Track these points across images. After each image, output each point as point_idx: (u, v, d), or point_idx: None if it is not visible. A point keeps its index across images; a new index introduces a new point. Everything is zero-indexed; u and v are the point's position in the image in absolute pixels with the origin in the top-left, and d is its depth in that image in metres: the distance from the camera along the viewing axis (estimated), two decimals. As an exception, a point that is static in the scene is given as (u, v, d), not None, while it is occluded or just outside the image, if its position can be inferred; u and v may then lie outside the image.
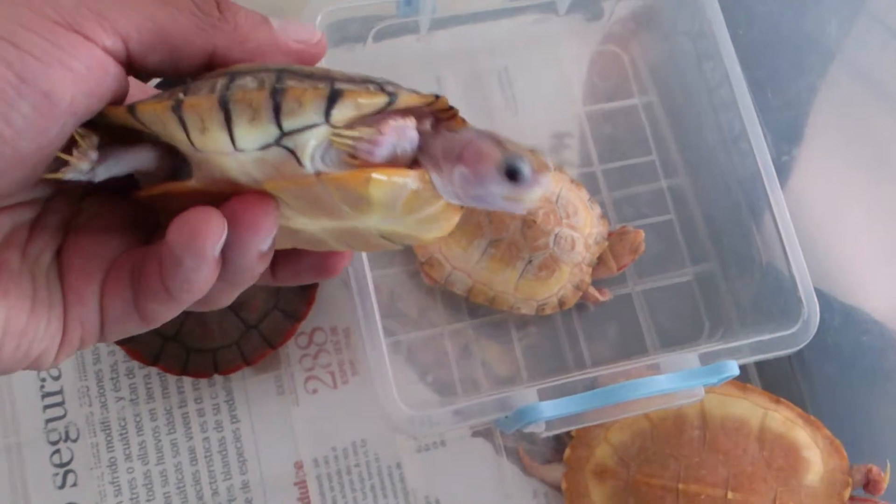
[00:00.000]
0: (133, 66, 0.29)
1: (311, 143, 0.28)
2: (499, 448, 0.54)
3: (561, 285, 0.53)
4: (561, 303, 0.53)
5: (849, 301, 0.52)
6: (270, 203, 0.29)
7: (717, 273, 0.57)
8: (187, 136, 0.28)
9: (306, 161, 0.28)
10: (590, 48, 0.62)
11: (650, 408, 0.47)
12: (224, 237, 0.28)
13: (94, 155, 0.29)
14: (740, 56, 0.52)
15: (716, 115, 0.53)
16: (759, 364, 0.57)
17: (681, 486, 0.50)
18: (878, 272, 0.52)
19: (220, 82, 0.28)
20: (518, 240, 0.52)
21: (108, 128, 0.30)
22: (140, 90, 0.32)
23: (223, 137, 0.28)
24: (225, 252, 0.29)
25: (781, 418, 0.51)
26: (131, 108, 0.29)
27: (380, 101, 0.28)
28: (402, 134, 0.29)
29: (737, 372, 0.45)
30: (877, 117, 0.53)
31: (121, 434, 0.52)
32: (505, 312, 0.55)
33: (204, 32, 0.29)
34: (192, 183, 0.30)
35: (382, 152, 0.28)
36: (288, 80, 0.28)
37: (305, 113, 0.27)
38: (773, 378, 0.56)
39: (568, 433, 0.53)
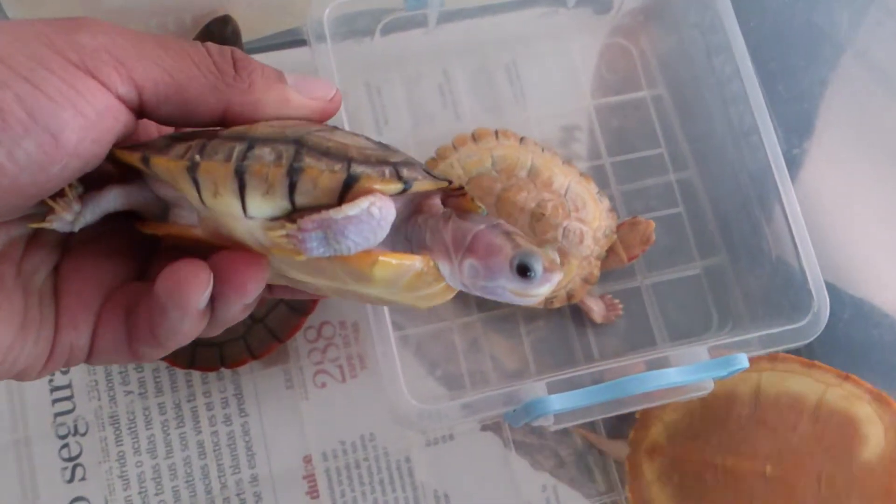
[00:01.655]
0: (144, 114, 0.29)
1: None
2: (507, 442, 0.54)
3: (569, 279, 0.53)
4: (569, 296, 0.53)
5: (859, 294, 0.52)
6: (261, 265, 0.29)
7: (727, 266, 0.57)
8: (198, 194, 0.29)
9: None
10: (598, 41, 0.62)
11: (659, 401, 0.47)
12: (209, 291, 0.28)
13: (77, 206, 0.30)
14: (751, 49, 0.51)
15: (726, 109, 0.53)
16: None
17: (719, 460, 0.49)
18: (889, 265, 0.52)
19: (238, 149, 0.28)
20: (527, 233, 0.52)
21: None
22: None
23: (235, 203, 0.28)
24: (210, 302, 0.29)
25: (843, 394, 0.49)
26: (145, 159, 0.29)
27: (394, 188, 0.28)
28: (329, 225, 0.28)
29: (746, 364, 0.45)
30: (888, 110, 0.53)
31: (129, 428, 0.53)
32: (513, 306, 0.55)
33: (218, 91, 0.29)
34: (196, 231, 0.31)
35: (312, 244, 0.28)
36: (306, 158, 0.28)
37: (319, 194, 0.28)
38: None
39: (632, 414, 0.53)
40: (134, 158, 0.29)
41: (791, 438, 0.48)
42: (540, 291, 0.30)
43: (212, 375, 0.54)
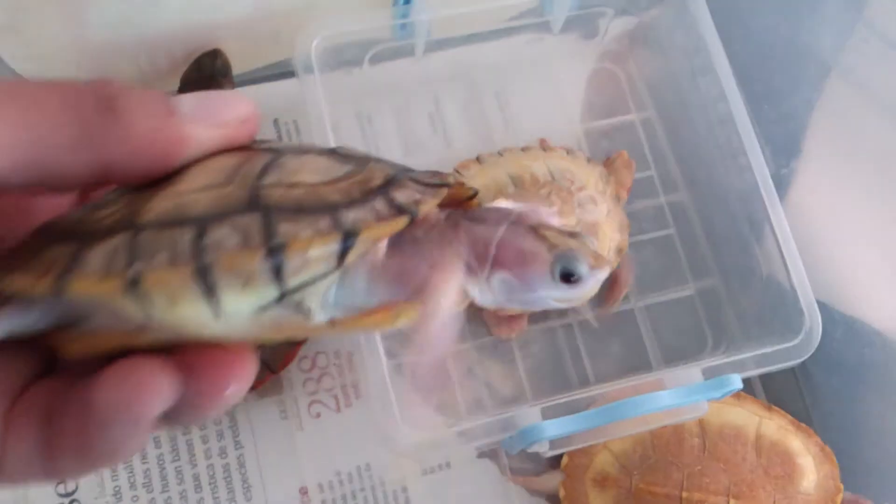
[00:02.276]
0: None
1: (322, 292, 0.23)
2: (504, 469, 0.54)
3: (610, 237, 0.53)
4: (619, 249, 0.54)
5: (851, 313, 0.52)
6: (246, 360, 0.23)
7: (719, 287, 0.57)
8: (147, 308, 0.22)
9: (317, 311, 0.24)
10: (586, 66, 0.62)
11: (654, 424, 0.46)
12: (174, 400, 0.22)
13: None
14: (736, 70, 0.52)
15: (713, 130, 0.53)
16: (763, 378, 0.56)
17: (684, 494, 0.50)
18: (880, 283, 0.52)
19: (184, 240, 0.22)
20: None
21: None
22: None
23: (203, 309, 0.22)
24: (175, 411, 0.23)
25: (775, 426, 0.52)
26: (59, 287, 0.22)
27: (400, 224, 0.23)
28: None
29: (740, 386, 0.44)
30: (875, 127, 0.53)
31: (125, 462, 0.52)
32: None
33: (88, 145, 0.22)
34: (145, 338, 0.23)
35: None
36: (281, 226, 0.22)
37: (314, 267, 0.22)
38: (777, 392, 0.56)
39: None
40: (38, 287, 0.22)
41: (743, 471, 0.50)
42: (588, 292, 0.26)
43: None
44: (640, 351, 0.56)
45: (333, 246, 0.22)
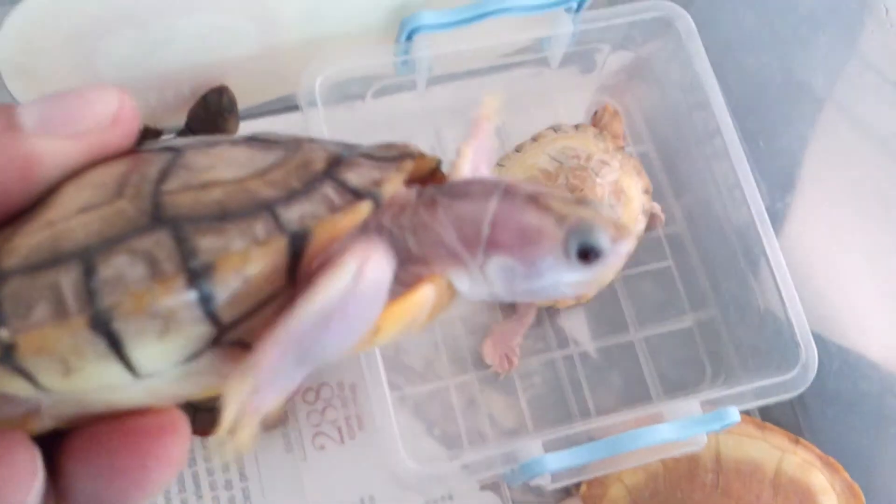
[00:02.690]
0: None
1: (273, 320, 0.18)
2: (506, 501, 0.55)
3: (634, 185, 0.54)
4: (646, 190, 0.55)
5: (848, 346, 0.53)
6: (175, 432, 0.19)
7: (718, 319, 0.58)
8: (34, 382, 0.17)
9: None
10: (584, 99, 0.63)
11: (653, 457, 0.47)
12: (38, 489, 0.17)
13: None
14: (731, 105, 0.53)
15: (709, 165, 0.54)
16: (762, 410, 0.57)
17: None
18: (875, 316, 0.53)
19: (67, 281, 0.16)
20: None
21: None
22: None
23: (111, 370, 0.17)
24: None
25: (798, 461, 0.51)
26: None
27: (361, 212, 0.19)
28: (301, 339, 0.18)
29: (737, 419, 0.45)
30: (869, 162, 0.54)
31: None
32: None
33: None
34: (40, 422, 0.18)
35: (277, 386, 0.19)
36: (201, 239, 0.16)
37: (257, 288, 0.17)
38: (776, 424, 0.57)
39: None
40: None
41: None
42: (608, 272, 0.21)
43: (212, 440, 0.54)
44: (639, 382, 0.57)
45: (281, 254, 0.17)
